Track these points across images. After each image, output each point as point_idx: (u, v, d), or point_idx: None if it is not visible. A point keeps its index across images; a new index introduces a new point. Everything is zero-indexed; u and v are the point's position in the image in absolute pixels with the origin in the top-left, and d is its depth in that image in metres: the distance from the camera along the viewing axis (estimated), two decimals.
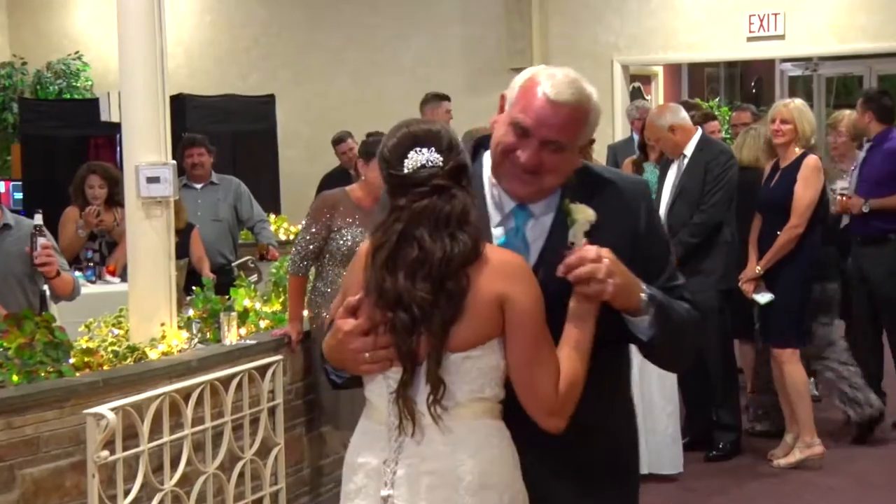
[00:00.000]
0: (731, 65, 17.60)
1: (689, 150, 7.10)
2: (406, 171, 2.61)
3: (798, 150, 6.80)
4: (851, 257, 7.76)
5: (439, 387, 2.58)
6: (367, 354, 2.62)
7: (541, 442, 2.64)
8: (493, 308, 2.57)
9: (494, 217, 2.77)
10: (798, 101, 6.95)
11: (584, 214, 2.69)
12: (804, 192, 6.73)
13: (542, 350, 2.59)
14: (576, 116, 2.67)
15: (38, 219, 5.42)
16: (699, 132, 7.22)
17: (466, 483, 2.57)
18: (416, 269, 2.58)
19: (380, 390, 2.67)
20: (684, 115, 7.23)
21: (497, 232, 2.76)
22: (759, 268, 6.88)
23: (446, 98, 9.21)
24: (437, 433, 2.60)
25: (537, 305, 2.59)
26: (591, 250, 2.54)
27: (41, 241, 5.39)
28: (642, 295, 2.62)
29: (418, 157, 2.61)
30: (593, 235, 2.66)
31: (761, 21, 11.94)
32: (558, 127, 2.65)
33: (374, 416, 2.69)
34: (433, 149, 2.61)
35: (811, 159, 6.77)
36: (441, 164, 2.61)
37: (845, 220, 7.84)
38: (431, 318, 2.57)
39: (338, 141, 10.64)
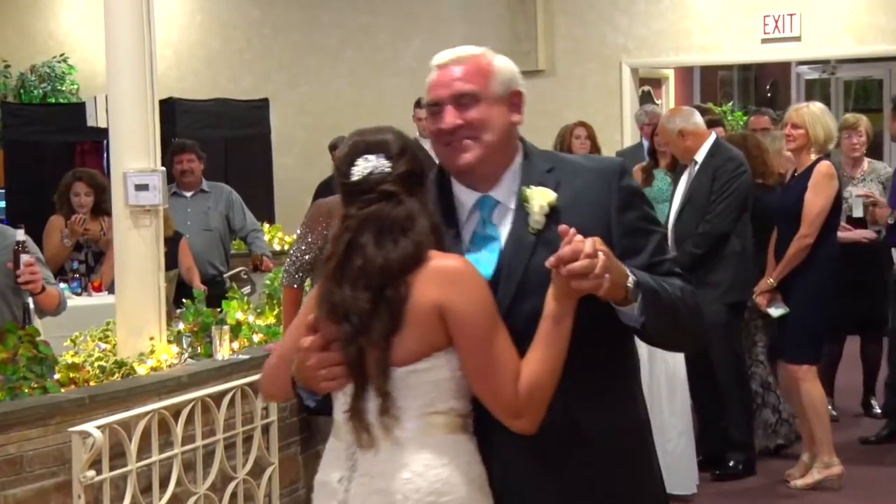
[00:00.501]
0: (744, 68, 17.62)
1: (700, 156, 7.11)
2: (354, 178, 2.70)
3: (813, 156, 6.79)
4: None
5: (385, 401, 2.62)
6: (323, 371, 2.68)
7: (520, 451, 2.67)
8: (432, 318, 2.62)
9: (463, 215, 2.83)
10: (815, 106, 6.90)
11: (541, 197, 2.74)
12: (814, 200, 6.72)
13: (495, 355, 2.61)
14: (470, 64, 2.82)
15: (21, 234, 5.42)
16: (712, 137, 7.21)
17: (413, 502, 2.61)
18: (358, 279, 2.65)
19: (339, 406, 2.73)
20: (697, 120, 7.22)
21: (469, 227, 2.82)
22: (771, 279, 6.88)
23: None
24: (386, 451, 2.65)
25: (481, 310, 2.62)
26: (588, 243, 2.51)
27: (24, 258, 5.39)
28: (629, 282, 2.61)
29: (366, 165, 2.70)
30: (557, 217, 2.71)
31: (776, 22, 11.96)
32: (456, 79, 2.81)
33: (337, 433, 2.76)
34: (382, 155, 2.70)
35: (822, 165, 6.74)
36: (389, 170, 2.69)
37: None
38: (371, 329, 2.62)
39: (334, 146, 10.60)
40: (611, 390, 2.79)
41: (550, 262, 2.53)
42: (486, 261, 2.76)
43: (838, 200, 6.88)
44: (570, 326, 2.60)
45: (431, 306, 2.61)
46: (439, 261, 2.65)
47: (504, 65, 2.85)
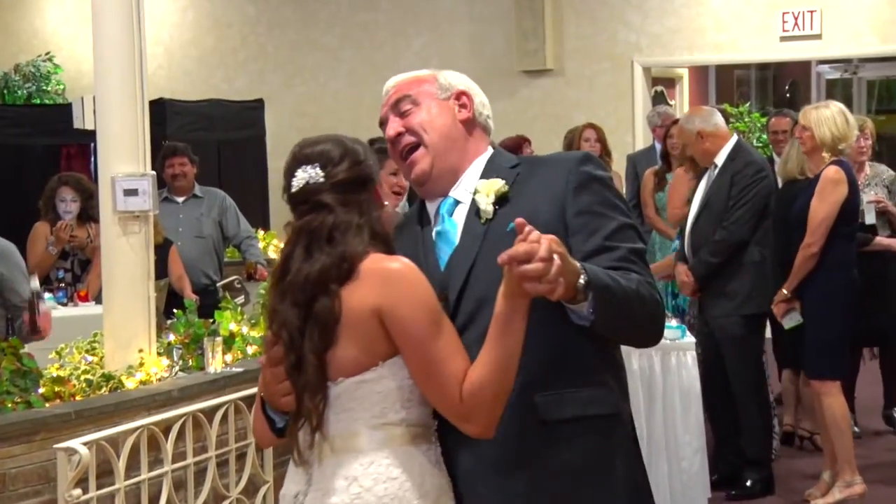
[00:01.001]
0: (762, 67, 17.61)
1: (720, 159, 7.10)
2: (293, 190, 2.83)
3: (826, 159, 6.76)
4: None
5: (311, 416, 2.71)
6: (280, 385, 2.77)
7: (486, 440, 2.71)
8: (372, 324, 2.68)
9: (435, 222, 2.97)
10: (826, 106, 6.83)
11: (489, 187, 2.86)
12: (818, 207, 6.69)
13: (438, 357, 2.66)
14: (408, 79, 3.04)
15: (35, 283, 5.48)
16: (733, 140, 7.20)
17: None
18: (287, 293, 2.75)
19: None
20: (717, 121, 7.22)
21: (436, 229, 2.95)
22: (784, 290, 6.87)
23: None
24: (334, 465, 2.73)
25: (421, 311, 2.68)
26: (543, 246, 2.47)
27: (43, 307, 5.49)
28: (580, 281, 2.61)
29: (303, 176, 2.82)
30: (506, 206, 2.84)
31: (796, 19, 11.96)
32: (395, 89, 3.02)
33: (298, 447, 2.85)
34: (317, 165, 2.81)
35: (829, 170, 6.71)
36: (322, 180, 2.79)
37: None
38: (303, 344, 2.70)
39: None
40: (577, 381, 2.81)
41: (502, 258, 2.49)
42: (444, 255, 2.90)
43: (849, 206, 6.77)
44: (523, 326, 2.60)
45: (370, 312, 2.68)
46: (376, 264, 2.72)
47: (449, 73, 3.05)
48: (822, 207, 6.68)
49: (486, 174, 2.92)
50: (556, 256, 2.48)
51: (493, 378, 2.61)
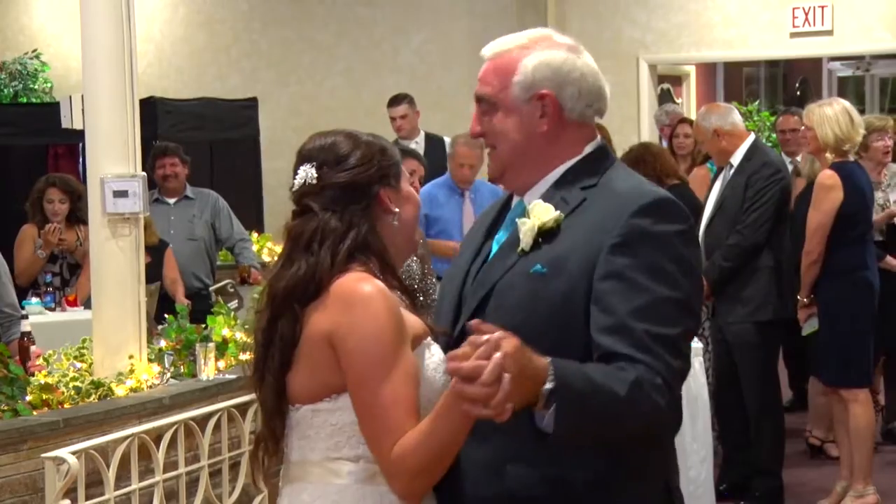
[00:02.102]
0: (772, 64, 17.66)
1: (736, 159, 7.10)
2: (293, 189, 2.73)
3: (829, 160, 6.73)
4: None
5: (267, 439, 2.67)
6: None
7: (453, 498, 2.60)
8: (323, 350, 2.57)
9: (506, 223, 2.79)
10: (830, 105, 6.78)
11: (538, 216, 2.64)
12: (812, 214, 6.69)
13: (379, 401, 2.51)
14: (498, 60, 2.76)
15: (27, 325, 5.51)
16: (750, 139, 7.20)
17: None
18: (264, 305, 2.67)
19: None
20: (735, 119, 7.22)
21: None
22: (799, 296, 6.87)
23: (403, 100, 9.58)
24: (289, 492, 2.69)
25: (374, 344, 2.52)
26: (490, 367, 2.22)
27: (34, 349, 5.53)
28: (544, 389, 2.35)
29: (301, 175, 2.70)
30: (551, 239, 2.62)
31: (806, 14, 11.96)
32: (481, 77, 2.77)
33: None
34: (314, 165, 2.69)
35: (823, 175, 6.68)
36: (314, 181, 2.68)
37: None
38: (266, 362, 2.63)
39: None
40: (538, 447, 2.48)
41: (448, 367, 2.30)
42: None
43: (850, 210, 6.68)
44: (464, 430, 2.44)
45: (322, 336, 2.57)
46: (345, 284, 2.58)
47: (535, 61, 2.72)
48: (815, 215, 6.67)
49: (557, 188, 2.69)
50: (506, 378, 2.22)
51: (421, 452, 2.47)
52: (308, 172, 2.69)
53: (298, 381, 2.61)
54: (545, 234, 2.62)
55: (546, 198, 2.68)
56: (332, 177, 2.68)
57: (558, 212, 2.63)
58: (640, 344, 2.47)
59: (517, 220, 2.67)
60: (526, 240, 2.62)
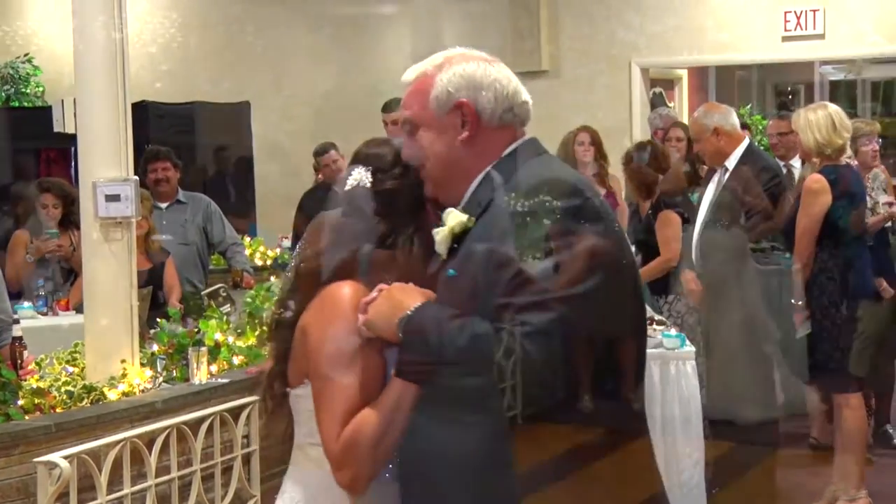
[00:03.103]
0: (764, 67, 17.65)
1: (731, 161, 7.10)
2: (346, 188, 2.82)
3: (817, 164, 6.73)
4: None
5: (268, 419, 2.83)
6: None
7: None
8: (300, 339, 2.73)
9: None
10: (815, 111, 6.75)
11: (452, 220, 2.71)
12: (799, 219, 6.70)
13: (330, 393, 2.63)
14: (415, 84, 2.82)
15: (18, 330, 5.50)
16: (745, 142, 7.21)
17: None
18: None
19: None
20: (734, 121, 7.24)
21: None
22: (793, 299, 6.88)
23: (397, 105, 9.54)
24: (289, 470, 2.81)
25: (330, 342, 2.66)
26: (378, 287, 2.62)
27: (27, 355, 5.52)
28: (399, 316, 2.59)
29: (354, 176, 2.81)
30: (459, 244, 2.69)
31: (798, 18, 11.97)
32: (403, 106, 2.84)
33: None
34: (369, 169, 2.80)
35: (809, 180, 6.69)
36: (368, 184, 2.78)
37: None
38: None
39: (320, 152, 10.61)
40: (430, 416, 2.62)
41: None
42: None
43: (838, 214, 6.67)
44: (410, 397, 2.58)
45: (300, 326, 2.73)
46: (333, 288, 2.71)
47: (450, 74, 2.79)
48: (801, 220, 6.68)
49: (475, 192, 2.75)
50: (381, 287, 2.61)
51: (370, 430, 2.56)
52: (362, 175, 2.79)
53: (290, 365, 2.76)
54: (459, 239, 2.70)
55: (467, 204, 2.75)
56: (384, 183, 2.78)
57: (466, 216, 2.70)
58: (509, 317, 2.53)
59: (433, 230, 2.74)
60: (441, 248, 2.72)
